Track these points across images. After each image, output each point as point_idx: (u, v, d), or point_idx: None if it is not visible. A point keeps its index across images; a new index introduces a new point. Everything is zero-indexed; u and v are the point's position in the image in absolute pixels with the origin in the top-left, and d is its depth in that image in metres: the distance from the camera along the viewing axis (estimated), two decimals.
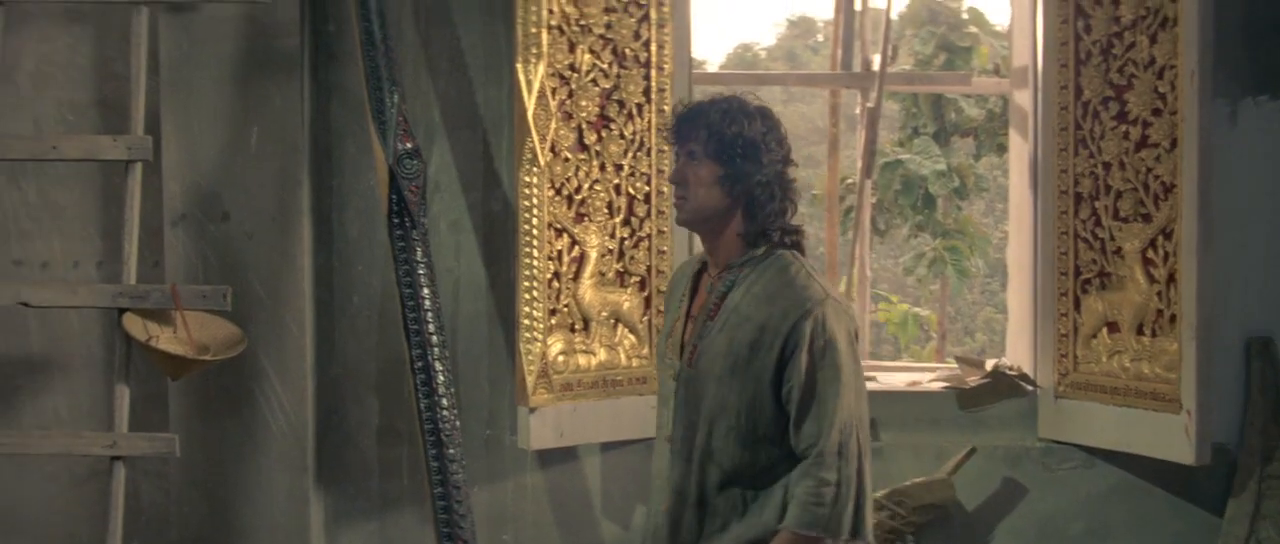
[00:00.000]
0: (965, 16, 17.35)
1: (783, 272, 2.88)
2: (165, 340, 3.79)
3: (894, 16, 7.54)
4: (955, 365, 4.79)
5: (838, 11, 8.81)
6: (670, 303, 3.12)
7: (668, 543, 2.96)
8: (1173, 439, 3.85)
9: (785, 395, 2.82)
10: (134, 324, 3.76)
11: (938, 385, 4.52)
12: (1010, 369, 4.43)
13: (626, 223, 4.15)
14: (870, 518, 2.85)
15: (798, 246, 2.95)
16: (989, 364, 4.50)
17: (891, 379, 4.80)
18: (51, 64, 4.27)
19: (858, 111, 8.89)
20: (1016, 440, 4.32)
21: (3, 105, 4.12)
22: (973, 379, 4.43)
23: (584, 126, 4.05)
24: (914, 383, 4.62)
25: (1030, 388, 4.33)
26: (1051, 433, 4.25)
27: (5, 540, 4.35)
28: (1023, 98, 4.61)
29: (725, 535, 2.89)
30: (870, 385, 4.54)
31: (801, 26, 36.85)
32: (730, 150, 2.85)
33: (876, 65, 7.93)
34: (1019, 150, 4.70)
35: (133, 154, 3.79)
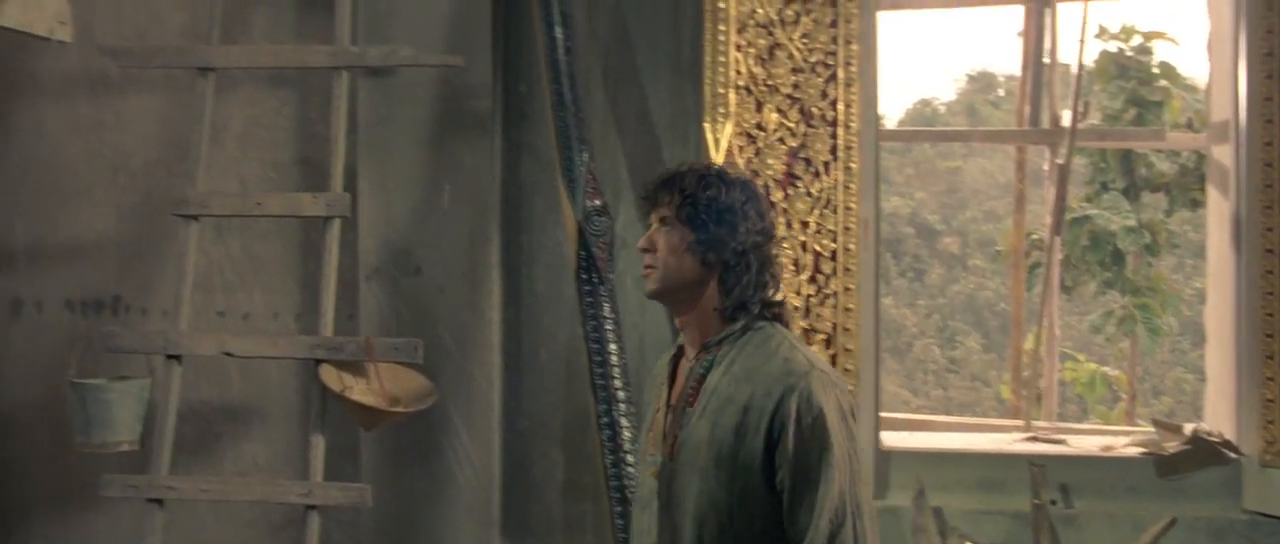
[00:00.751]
0: (1156, 71, 16.85)
1: (763, 344, 2.55)
2: (359, 392, 3.89)
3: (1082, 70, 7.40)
4: (1150, 429, 4.61)
5: (1025, 68, 8.66)
6: (647, 396, 2.78)
7: None
8: None
9: (779, 482, 2.47)
10: (330, 375, 3.87)
11: (1134, 450, 4.35)
12: (1211, 435, 4.25)
13: (812, 280, 4.12)
14: None
15: (779, 319, 2.61)
16: (1187, 429, 4.32)
17: (1084, 442, 4.65)
18: (257, 125, 4.45)
19: (1045, 167, 8.71)
20: (1220, 512, 4.13)
21: (212, 164, 4.29)
22: (1171, 445, 4.26)
23: (771, 184, 4.05)
24: (1108, 447, 4.46)
25: (1234, 455, 4.15)
26: (1258, 504, 4.06)
27: None
28: (1223, 153, 4.45)
29: None
30: (1062, 449, 4.44)
31: (982, 82, 36.29)
32: (704, 215, 2.55)
33: (1065, 121, 7.77)
34: (1218, 207, 4.54)
35: (331, 210, 3.92)
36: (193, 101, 4.15)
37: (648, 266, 2.60)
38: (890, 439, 4.50)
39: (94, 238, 4.55)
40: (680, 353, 2.67)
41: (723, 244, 2.54)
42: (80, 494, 4.44)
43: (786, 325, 2.61)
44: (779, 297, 2.63)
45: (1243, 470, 4.11)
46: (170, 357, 3.97)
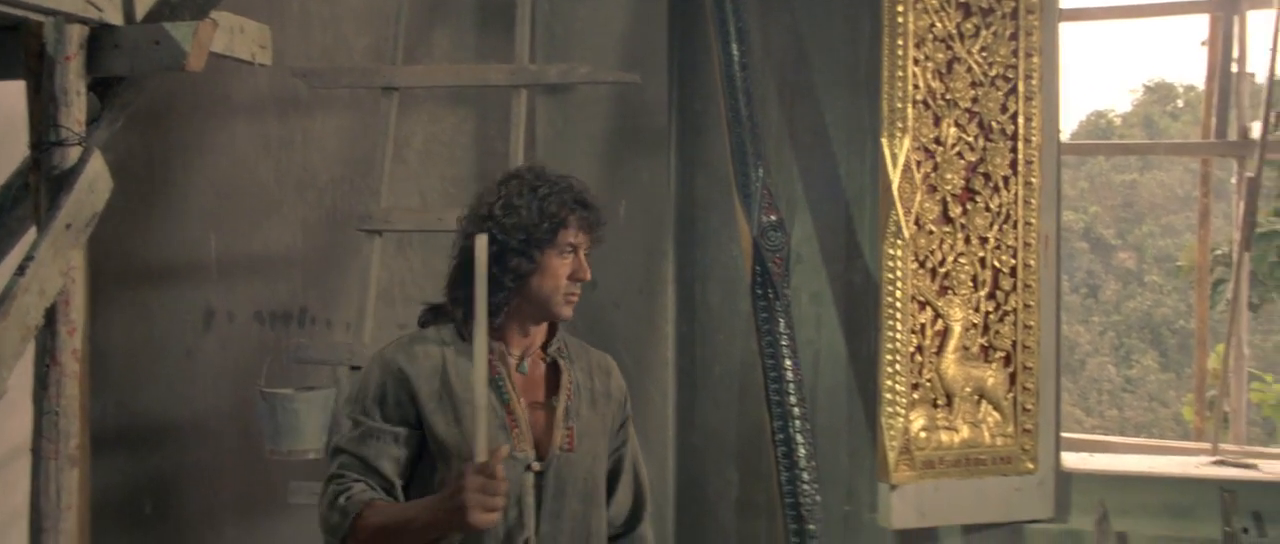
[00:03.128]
0: None
1: (569, 340, 2.79)
2: None
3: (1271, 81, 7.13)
4: None
5: (1210, 78, 8.38)
6: (402, 397, 2.60)
7: None
8: None
9: (611, 456, 2.78)
10: None
11: None
12: None
13: (991, 296, 4.06)
14: None
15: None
16: None
17: (1276, 467, 4.46)
18: (437, 142, 4.55)
19: (1232, 181, 8.42)
20: None
21: (394, 180, 4.40)
22: None
23: (949, 199, 3.99)
24: None
25: None
26: None
27: None
28: None
29: None
30: (1253, 474, 4.27)
31: (1160, 92, 35.26)
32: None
33: (1255, 132, 7.49)
34: None
35: None
36: (377, 120, 4.27)
37: (579, 294, 2.70)
38: (1071, 460, 4.40)
39: (282, 251, 4.71)
40: (450, 360, 2.61)
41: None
42: (267, 500, 4.59)
43: None
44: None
45: None
46: (354, 368, 4.08)
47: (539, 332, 2.71)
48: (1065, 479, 4.18)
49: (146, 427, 4.84)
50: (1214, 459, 4.73)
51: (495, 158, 4.43)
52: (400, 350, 2.62)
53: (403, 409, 2.57)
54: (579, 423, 2.66)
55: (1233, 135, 7.96)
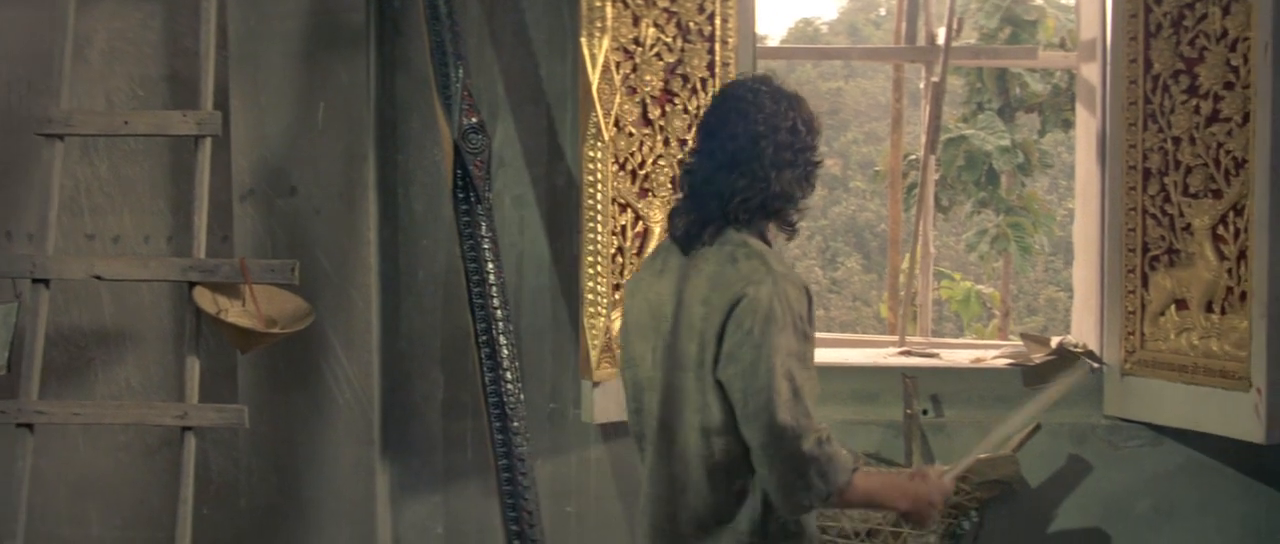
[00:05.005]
0: None
1: (719, 253, 2.70)
2: (234, 314, 3.84)
3: None
4: (1020, 342, 4.75)
5: None
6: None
7: None
8: (1241, 417, 3.80)
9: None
10: (204, 298, 3.81)
11: (1002, 362, 4.49)
12: (1076, 346, 4.39)
13: None
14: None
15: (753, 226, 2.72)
16: (1054, 341, 4.46)
17: (955, 355, 4.78)
18: (123, 40, 4.33)
19: (922, 86, 8.82)
20: (1082, 418, 4.27)
21: (76, 81, 4.17)
22: (1038, 356, 4.40)
23: (648, 101, 4.05)
24: (978, 359, 4.59)
25: (1096, 365, 4.29)
26: (1118, 410, 4.21)
27: (79, 509, 4.43)
28: (1091, 72, 4.55)
29: None
30: (933, 362, 4.55)
31: (863, 1, 36.57)
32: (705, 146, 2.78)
33: (941, 39, 7.87)
34: (1086, 125, 4.65)
35: (202, 129, 3.84)
36: (54, 15, 4.02)
37: None
38: None
39: None
40: None
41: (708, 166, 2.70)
42: None
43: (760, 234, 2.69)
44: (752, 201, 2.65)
45: (1104, 378, 4.26)
46: (37, 281, 3.88)
47: None
48: None
49: None
50: (900, 350, 5.01)
51: (187, 57, 4.25)
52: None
53: None
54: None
55: (922, 42, 8.32)
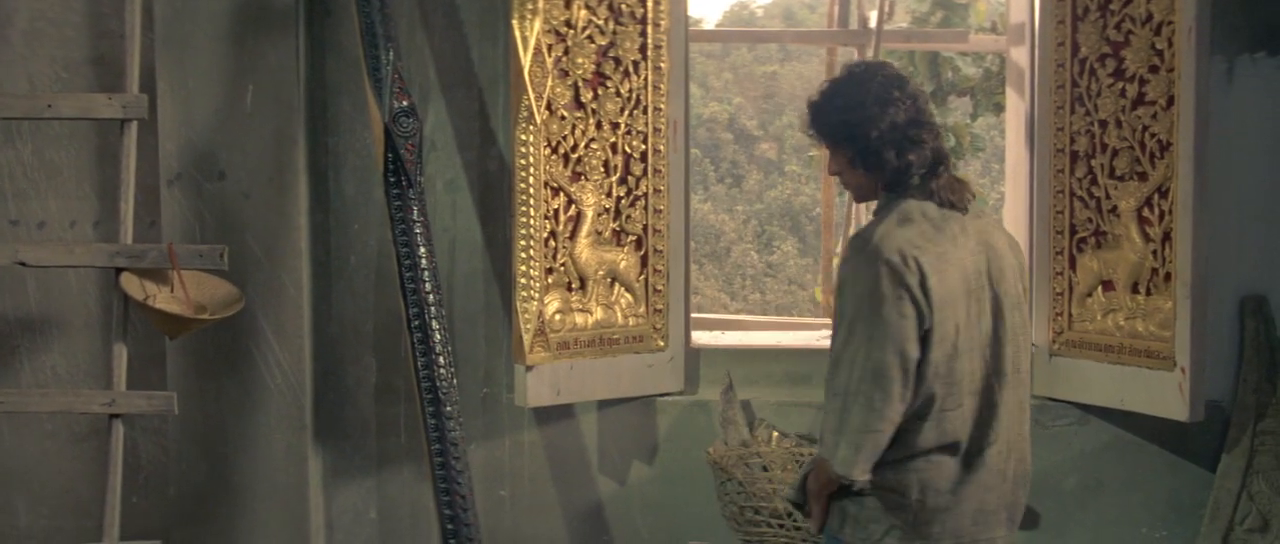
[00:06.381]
0: None
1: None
2: (163, 300, 3.80)
3: None
4: None
5: None
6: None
7: None
8: (1167, 396, 3.87)
9: None
10: (131, 283, 3.77)
11: None
12: None
13: (623, 181, 4.15)
14: (859, 457, 2.90)
15: (923, 189, 3.02)
16: None
17: None
18: (45, 21, 4.25)
19: None
20: None
21: None
22: None
23: (580, 84, 4.04)
24: None
25: None
26: (1046, 390, 4.26)
27: (5, 498, 4.37)
28: (1019, 55, 4.60)
29: None
30: None
31: None
32: (832, 133, 3.02)
33: (873, 23, 7.90)
34: (1015, 108, 4.69)
35: (128, 112, 3.79)
36: None
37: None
38: (701, 338, 4.60)
39: None
40: None
41: (855, 147, 2.98)
42: None
43: (932, 194, 3.01)
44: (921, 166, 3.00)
45: (1033, 359, 4.30)
46: None
47: None
48: (694, 355, 4.36)
49: None
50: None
51: (112, 39, 4.19)
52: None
53: None
54: None
55: (855, 25, 8.34)
